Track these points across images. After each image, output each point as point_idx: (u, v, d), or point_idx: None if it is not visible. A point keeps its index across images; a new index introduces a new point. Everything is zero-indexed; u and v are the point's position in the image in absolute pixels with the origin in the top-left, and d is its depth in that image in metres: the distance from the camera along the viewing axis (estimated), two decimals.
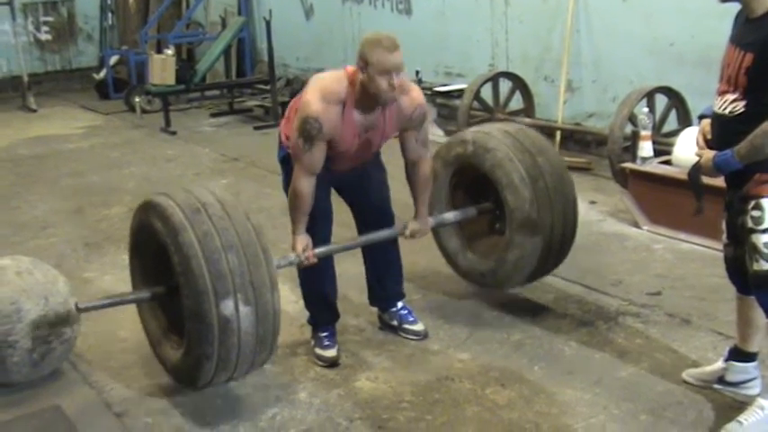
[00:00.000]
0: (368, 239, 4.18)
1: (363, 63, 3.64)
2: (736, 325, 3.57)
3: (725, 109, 3.25)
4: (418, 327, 4.33)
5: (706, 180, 5.19)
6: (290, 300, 4.70)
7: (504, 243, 4.28)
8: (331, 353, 4.12)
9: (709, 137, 3.41)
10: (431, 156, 4.15)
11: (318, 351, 4.14)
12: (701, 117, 3.52)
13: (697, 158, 3.42)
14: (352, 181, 4.12)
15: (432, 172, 4.16)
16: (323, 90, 3.74)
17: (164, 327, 3.90)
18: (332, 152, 3.84)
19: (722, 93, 3.31)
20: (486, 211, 4.49)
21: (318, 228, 4.01)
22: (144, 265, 3.93)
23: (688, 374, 3.71)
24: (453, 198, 4.58)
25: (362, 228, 4.26)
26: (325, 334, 4.18)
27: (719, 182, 5.13)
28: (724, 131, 3.26)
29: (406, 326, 4.34)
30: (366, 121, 3.82)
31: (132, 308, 4.79)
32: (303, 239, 3.92)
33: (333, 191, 4.15)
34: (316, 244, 3.97)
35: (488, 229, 4.57)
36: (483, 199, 4.49)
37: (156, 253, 3.69)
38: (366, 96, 3.72)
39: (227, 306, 3.33)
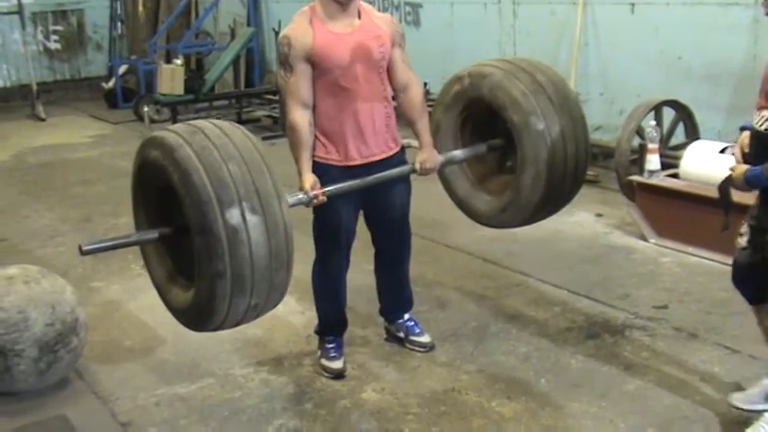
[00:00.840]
0: (381, 177, 3.92)
1: None
2: (765, 338, 3.54)
3: (761, 125, 3.25)
4: (425, 338, 4.33)
5: (714, 195, 5.20)
6: (296, 310, 4.71)
7: (519, 165, 4.05)
8: (337, 364, 4.12)
9: (746, 150, 3.38)
10: (420, 81, 4.06)
11: (324, 362, 4.14)
12: (742, 129, 3.50)
13: (729, 172, 3.37)
14: (380, 194, 4.00)
15: (423, 94, 4.06)
16: (293, 19, 3.82)
17: (171, 271, 3.66)
18: (333, 84, 3.77)
19: (760, 108, 3.31)
20: (496, 148, 4.28)
21: (341, 249, 4.00)
22: (148, 209, 3.68)
23: (736, 399, 3.60)
24: (462, 144, 4.36)
25: (381, 242, 4.21)
26: (331, 345, 4.18)
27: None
28: (760, 147, 3.26)
29: (413, 337, 4.33)
30: (343, 26, 3.77)
31: (138, 317, 4.82)
32: (310, 177, 3.75)
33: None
34: (335, 265, 3.99)
35: (500, 169, 4.39)
36: (492, 138, 4.30)
37: (159, 194, 3.50)
38: (327, 3, 3.74)
39: (234, 215, 3.13)
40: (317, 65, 3.75)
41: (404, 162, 4.04)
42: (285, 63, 3.74)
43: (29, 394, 3.96)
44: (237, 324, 3.45)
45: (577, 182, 4.18)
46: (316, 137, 3.85)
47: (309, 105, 3.79)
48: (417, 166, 4.01)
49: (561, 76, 4.23)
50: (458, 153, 4.23)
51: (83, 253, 3.45)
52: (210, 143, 3.24)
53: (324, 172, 3.82)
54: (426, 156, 4.03)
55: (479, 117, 4.30)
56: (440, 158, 4.08)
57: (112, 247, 3.60)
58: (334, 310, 4.20)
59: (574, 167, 4.07)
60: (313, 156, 3.85)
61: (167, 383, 4.03)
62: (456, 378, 3.99)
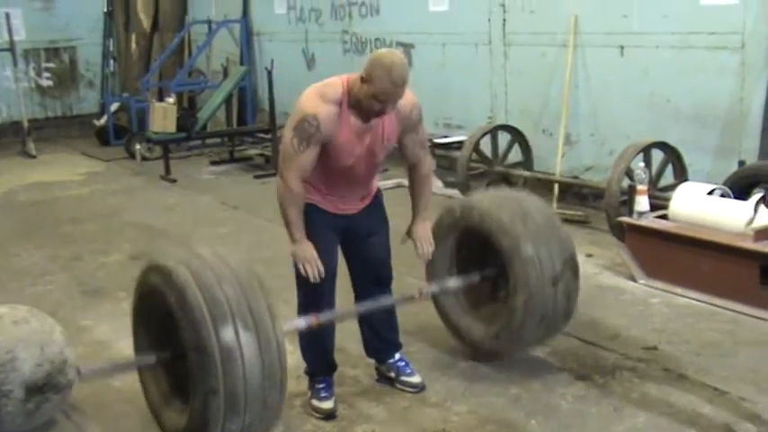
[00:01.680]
0: (379, 305, 4.15)
1: (367, 77, 3.64)
2: None
3: None
4: (416, 379, 4.32)
5: (706, 237, 5.26)
6: (288, 350, 4.69)
7: (511, 290, 4.19)
8: (328, 404, 4.11)
9: None
10: (430, 157, 4.19)
11: (315, 403, 4.12)
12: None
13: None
14: (359, 231, 4.08)
15: (432, 173, 4.20)
16: (319, 91, 3.75)
17: (167, 395, 3.79)
18: (333, 168, 3.83)
19: None
20: (489, 278, 4.44)
21: (325, 289, 3.99)
22: (148, 334, 3.86)
23: None
24: (456, 274, 4.52)
25: (360, 283, 4.23)
26: (322, 385, 4.16)
27: (719, 237, 5.20)
28: None
29: (404, 378, 4.33)
30: (363, 125, 3.80)
31: (127, 357, 4.79)
32: (309, 246, 3.83)
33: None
34: (322, 307, 3.98)
35: (493, 298, 4.51)
36: (485, 267, 4.45)
37: (158, 319, 3.66)
38: (359, 104, 3.74)
39: (227, 332, 3.26)
40: (327, 152, 3.79)
41: (384, 214, 4.18)
42: (304, 138, 3.70)
43: None
44: None
45: (570, 299, 4.28)
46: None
47: (307, 176, 3.84)
48: (419, 248, 4.13)
49: (543, 202, 4.46)
50: (451, 282, 4.42)
51: (81, 378, 3.67)
52: (206, 265, 3.42)
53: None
54: (419, 228, 4.14)
55: (472, 247, 4.46)
56: (433, 290, 4.32)
57: (111, 372, 3.83)
58: (322, 355, 4.19)
59: (565, 287, 4.21)
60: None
61: (157, 426, 3.99)
62: (446, 419, 3.98)
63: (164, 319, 3.56)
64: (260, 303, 3.39)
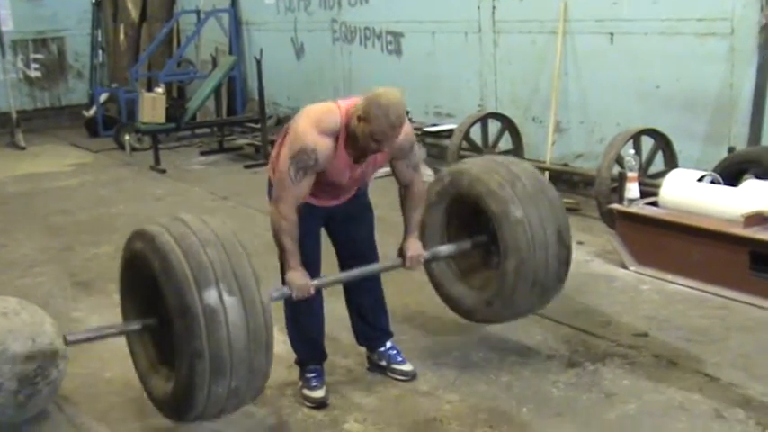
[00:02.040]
0: (367, 270, 4.13)
1: (364, 116, 3.62)
2: None
3: None
4: (407, 367, 4.33)
5: (696, 224, 5.28)
6: (278, 340, 4.68)
7: (502, 255, 4.17)
8: (319, 393, 4.11)
9: None
10: (424, 177, 4.19)
11: (306, 392, 4.13)
12: None
13: None
14: (342, 216, 4.11)
15: (424, 191, 4.20)
16: (318, 122, 3.72)
17: (154, 360, 3.79)
18: (322, 183, 3.84)
19: None
20: (481, 245, 4.42)
21: (311, 275, 3.98)
22: (134, 301, 3.86)
23: None
24: (448, 241, 4.50)
25: (347, 263, 4.23)
26: (312, 375, 4.17)
27: (709, 224, 5.22)
28: None
29: (395, 366, 4.33)
30: (351, 161, 3.83)
31: (119, 348, 4.79)
32: (303, 274, 3.84)
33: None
34: (305, 302, 3.97)
35: (486, 264, 4.50)
36: (477, 234, 4.44)
37: (144, 285, 3.64)
38: (355, 139, 3.73)
39: (211, 295, 3.25)
40: (320, 176, 3.79)
41: (369, 204, 4.22)
42: (301, 169, 3.69)
43: (7, 427, 3.92)
44: (220, 412, 3.52)
45: (562, 263, 4.26)
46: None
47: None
48: (407, 262, 4.14)
49: (533, 167, 4.45)
50: (443, 249, 4.38)
51: (67, 343, 3.63)
52: (189, 230, 3.42)
53: None
54: (411, 245, 4.15)
55: (464, 214, 4.47)
56: (424, 252, 4.21)
57: (97, 338, 3.80)
58: (311, 345, 4.20)
59: (556, 251, 4.20)
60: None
61: (148, 416, 3.99)
62: (438, 407, 3.98)
63: (149, 286, 3.54)
64: (244, 266, 3.38)
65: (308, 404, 4.07)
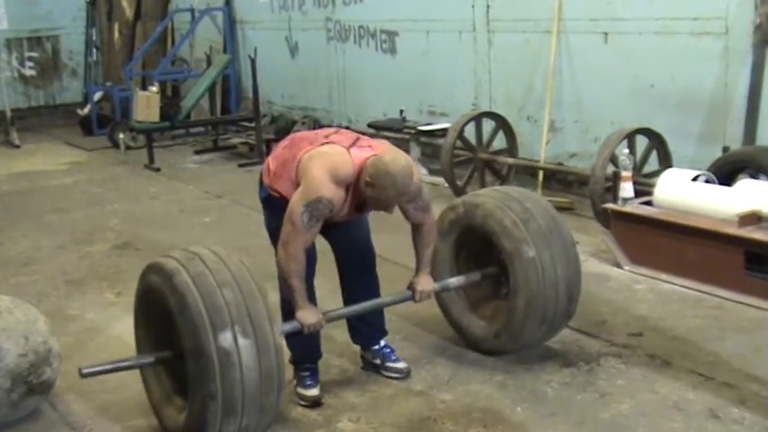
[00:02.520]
0: (377, 303, 4.21)
1: (371, 182, 3.70)
2: None
3: None
4: (401, 365, 4.33)
5: (691, 223, 5.28)
6: None
7: (512, 292, 4.21)
8: (313, 392, 4.10)
9: None
10: (433, 215, 4.15)
11: (300, 390, 4.12)
12: None
13: None
14: (338, 224, 4.08)
15: (435, 229, 4.19)
16: (334, 172, 3.73)
17: (168, 392, 3.79)
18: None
19: None
20: (491, 277, 4.45)
21: (308, 282, 3.98)
22: (149, 332, 3.84)
23: None
24: (457, 270, 4.55)
25: (345, 266, 4.26)
26: (307, 373, 4.16)
27: (703, 223, 5.22)
28: None
29: (389, 364, 4.33)
30: (359, 205, 3.92)
31: (112, 347, 4.79)
32: (315, 312, 3.88)
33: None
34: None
35: (495, 295, 4.53)
36: (486, 266, 4.47)
37: (159, 318, 3.64)
38: (362, 196, 3.81)
39: (226, 338, 3.28)
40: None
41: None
42: (315, 216, 3.70)
43: (1, 425, 3.91)
44: None
45: (571, 300, 4.29)
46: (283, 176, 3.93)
47: None
48: (417, 295, 4.19)
49: (548, 203, 4.44)
50: (452, 281, 4.40)
51: (82, 376, 3.61)
52: (206, 269, 3.43)
53: (276, 199, 3.96)
54: (422, 281, 4.19)
55: (474, 245, 4.49)
56: (434, 285, 4.25)
57: (112, 371, 3.74)
58: (307, 344, 4.17)
59: (566, 288, 4.22)
60: (269, 185, 4.01)
61: (142, 415, 3.98)
62: (432, 407, 3.98)
63: (164, 318, 3.55)
64: (259, 308, 3.40)
65: (303, 403, 4.06)
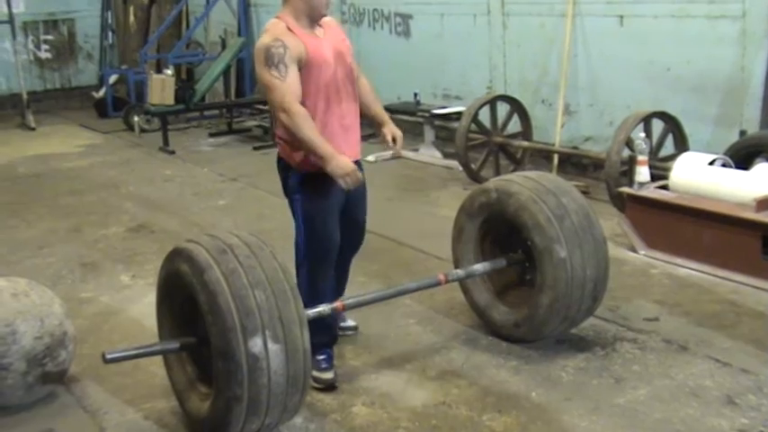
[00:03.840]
0: (404, 289, 4.31)
1: None
2: None
3: None
4: (351, 323, 4.58)
5: (707, 207, 5.24)
6: None
7: (537, 287, 4.19)
8: (328, 375, 4.11)
9: None
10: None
11: (316, 374, 4.11)
12: None
13: None
14: (356, 199, 4.19)
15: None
16: (265, 34, 3.91)
17: (192, 378, 3.75)
18: (323, 78, 3.93)
19: None
20: (516, 262, 4.42)
21: (331, 266, 4.12)
22: (173, 316, 3.79)
23: None
24: (482, 252, 4.53)
25: (347, 240, 4.27)
26: (323, 356, 4.15)
27: (720, 208, 5.19)
28: None
29: (342, 324, 4.54)
30: (315, 34, 3.99)
31: (127, 330, 4.81)
32: (344, 158, 3.82)
33: None
34: (327, 282, 4.14)
35: (519, 281, 4.50)
36: (512, 251, 4.44)
37: (185, 302, 3.60)
38: (302, 15, 3.95)
39: (256, 343, 3.23)
40: (308, 67, 3.89)
41: (361, 166, 4.23)
42: (279, 63, 3.79)
43: (16, 408, 3.93)
44: None
45: (596, 300, 4.27)
46: (287, 144, 4.00)
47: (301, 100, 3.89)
48: (390, 145, 4.20)
49: (584, 199, 4.33)
50: (478, 267, 4.39)
51: (106, 361, 3.55)
52: (239, 265, 3.34)
53: (313, 179, 3.97)
54: (393, 128, 4.23)
55: (502, 229, 4.45)
56: (462, 276, 4.34)
57: (135, 356, 3.71)
58: (325, 328, 4.17)
59: (593, 289, 4.19)
60: (298, 166, 4.00)
61: (156, 398, 4.00)
62: (447, 391, 3.98)
63: (190, 305, 3.51)
64: (290, 311, 3.34)
65: (318, 385, 4.06)
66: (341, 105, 4.03)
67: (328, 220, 4.05)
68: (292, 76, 3.81)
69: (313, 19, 3.98)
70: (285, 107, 3.78)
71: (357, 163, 4.09)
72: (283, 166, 4.13)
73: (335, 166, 3.79)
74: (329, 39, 4.04)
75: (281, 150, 4.11)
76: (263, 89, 3.97)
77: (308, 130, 3.79)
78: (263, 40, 3.87)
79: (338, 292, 4.44)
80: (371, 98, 4.29)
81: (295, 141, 3.89)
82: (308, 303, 4.04)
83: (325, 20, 4.10)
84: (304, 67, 3.88)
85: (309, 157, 3.90)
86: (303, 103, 3.85)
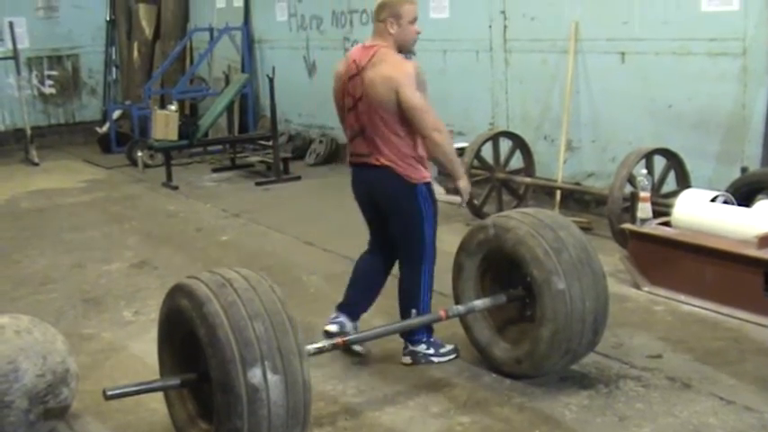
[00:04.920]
0: (408, 324, 4.47)
1: (395, 18, 4.51)
2: None
3: None
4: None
5: (709, 244, 5.24)
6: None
7: (537, 321, 4.19)
8: (449, 347, 4.70)
9: None
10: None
11: (442, 350, 4.67)
12: None
13: None
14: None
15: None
16: (401, 60, 4.55)
17: (192, 415, 3.76)
18: None
19: None
20: (517, 298, 4.43)
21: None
22: (174, 352, 3.80)
23: None
24: (482, 289, 4.55)
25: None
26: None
27: (722, 244, 5.19)
28: None
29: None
30: None
31: (129, 367, 4.80)
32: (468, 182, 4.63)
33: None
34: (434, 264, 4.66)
35: (520, 317, 4.50)
36: (512, 287, 4.45)
37: (186, 338, 3.61)
38: (395, 49, 4.56)
39: (255, 374, 3.25)
40: None
41: None
42: (418, 86, 4.41)
43: None
44: None
45: (597, 333, 4.27)
46: (414, 162, 4.52)
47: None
48: (464, 196, 4.74)
49: (582, 233, 4.37)
50: (478, 303, 4.44)
51: (107, 398, 3.57)
52: (238, 298, 3.39)
53: (429, 189, 4.57)
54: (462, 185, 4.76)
55: (501, 265, 4.49)
56: (461, 312, 4.47)
57: (137, 392, 3.71)
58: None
59: (593, 321, 4.19)
60: (420, 180, 4.53)
61: None
62: (450, 429, 3.96)
63: (190, 341, 3.52)
64: (290, 343, 3.36)
65: (447, 359, 4.62)
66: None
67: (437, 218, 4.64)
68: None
69: (401, 53, 4.57)
70: (440, 127, 4.44)
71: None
72: (403, 184, 4.50)
73: (466, 182, 4.61)
74: None
75: (403, 169, 4.49)
76: (407, 110, 4.40)
77: (453, 147, 4.58)
78: (406, 68, 4.44)
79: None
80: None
81: (426, 158, 4.52)
82: (430, 295, 4.66)
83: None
84: None
85: (425, 172, 4.54)
86: (407, 131, 4.46)
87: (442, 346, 4.67)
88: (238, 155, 11.34)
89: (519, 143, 7.76)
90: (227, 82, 11.95)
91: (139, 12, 13.71)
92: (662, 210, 5.83)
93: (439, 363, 4.61)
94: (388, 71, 4.40)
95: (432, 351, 4.63)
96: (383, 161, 4.48)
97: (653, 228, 5.67)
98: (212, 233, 7.75)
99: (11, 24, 12.41)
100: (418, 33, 4.60)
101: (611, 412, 4.02)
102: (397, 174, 4.47)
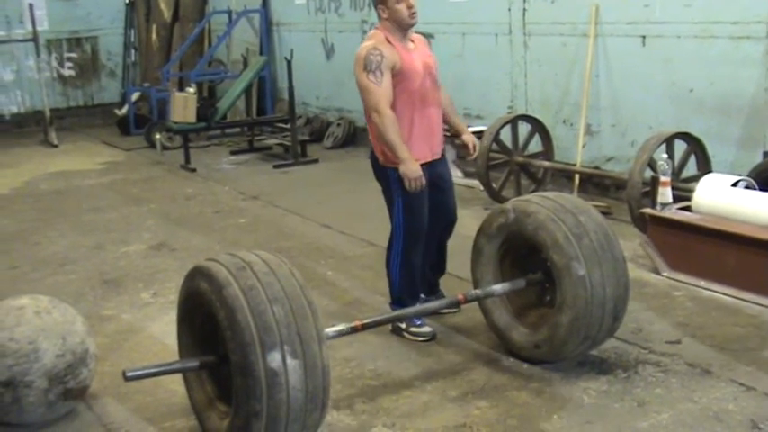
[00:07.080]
0: (426, 308, 4.60)
1: (382, 3, 4.54)
2: None
3: None
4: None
5: (730, 229, 5.19)
6: None
7: (557, 307, 4.17)
8: (426, 329, 4.70)
9: None
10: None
11: (415, 330, 4.69)
12: None
13: None
14: (439, 179, 4.77)
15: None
16: (368, 41, 4.53)
17: (211, 397, 3.77)
18: (414, 86, 4.53)
19: None
20: (536, 283, 4.41)
21: (422, 242, 4.74)
22: (193, 334, 3.81)
23: None
24: (501, 273, 4.52)
25: (433, 227, 4.78)
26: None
27: (744, 230, 5.15)
28: None
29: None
30: (407, 47, 4.59)
31: (148, 348, 4.82)
32: (415, 164, 4.45)
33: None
34: (417, 255, 4.76)
35: (539, 302, 4.48)
36: (532, 272, 4.42)
37: (205, 321, 3.62)
38: (395, 28, 4.56)
39: (275, 358, 3.25)
40: (401, 75, 4.50)
41: (446, 156, 4.97)
42: (376, 69, 4.42)
43: (37, 425, 3.95)
44: None
45: (617, 319, 4.24)
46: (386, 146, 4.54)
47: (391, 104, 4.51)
48: (471, 152, 5.03)
49: (603, 218, 4.32)
50: (497, 288, 4.42)
51: (126, 379, 3.57)
52: (258, 282, 3.39)
53: (399, 176, 4.52)
54: (471, 136, 5.01)
55: (521, 249, 4.46)
56: (480, 296, 4.46)
57: (156, 374, 3.73)
58: (412, 288, 4.79)
59: (613, 308, 4.16)
60: (392, 164, 4.54)
61: (176, 416, 4.00)
62: (467, 413, 3.95)
63: (210, 323, 3.53)
64: (309, 327, 3.36)
65: (420, 339, 4.66)
66: (427, 110, 4.64)
67: (420, 205, 4.62)
68: (386, 82, 4.43)
69: (402, 30, 4.59)
70: (378, 109, 4.41)
71: (441, 159, 4.79)
72: (377, 164, 4.66)
73: (407, 168, 4.45)
74: (419, 52, 4.67)
75: (378, 150, 4.63)
76: (359, 91, 4.52)
77: (393, 132, 4.42)
78: (363, 47, 4.49)
79: (441, 269, 5.11)
80: (451, 109, 5.00)
81: (414, 141, 4.55)
82: (402, 274, 4.75)
83: (415, 36, 4.74)
84: (397, 74, 4.48)
85: (395, 158, 4.49)
86: (394, 107, 4.46)
87: (415, 325, 4.73)
88: (256, 137, 11.35)
89: (538, 127, 7.72)
90: (246, 65, 11.94)
91: None
92: (682, 194, 5.78)
93: (409, 339, 4.72)
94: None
95: (403, 326, 4.74)
96: (371, 137, 4.69)
97: (673, 213, 5.63)
98: (230, 215, 7.76)
99: (30, 6, 12.46)
100: (410, 8, 4.56)
101: (630, 397, 4.00)
102: (374, 153, 4.70)
